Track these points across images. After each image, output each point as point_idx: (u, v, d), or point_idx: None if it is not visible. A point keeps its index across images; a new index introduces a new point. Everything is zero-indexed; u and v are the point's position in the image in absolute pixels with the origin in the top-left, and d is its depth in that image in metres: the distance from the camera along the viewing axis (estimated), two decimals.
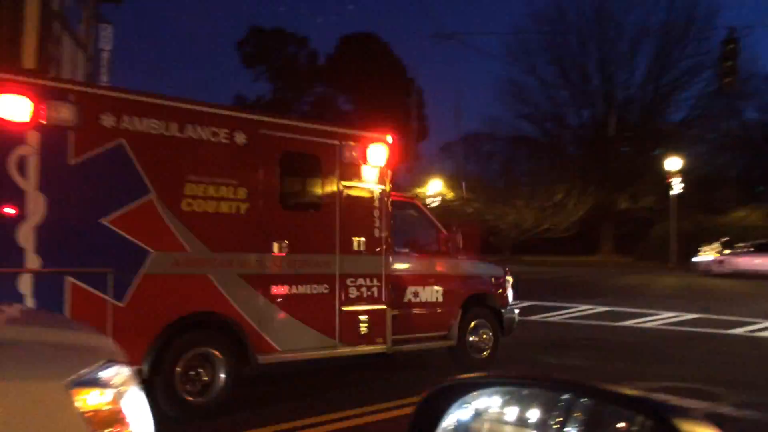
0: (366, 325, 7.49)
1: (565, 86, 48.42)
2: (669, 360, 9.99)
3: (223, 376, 6.37)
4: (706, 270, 29.93)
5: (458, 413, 1.75)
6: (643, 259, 40.51)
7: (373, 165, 7.71)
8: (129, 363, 2.64)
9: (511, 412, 1.73)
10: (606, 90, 47.08)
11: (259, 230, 6.77)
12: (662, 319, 14.42)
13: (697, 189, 40.62)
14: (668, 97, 47.39)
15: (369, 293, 7.57)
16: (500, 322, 9.12)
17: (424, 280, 8.43)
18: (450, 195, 40.37)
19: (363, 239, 7.56)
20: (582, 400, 1.68)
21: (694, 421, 1.39)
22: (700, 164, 46.79)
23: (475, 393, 1.77)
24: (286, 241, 6.91)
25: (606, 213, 43.68)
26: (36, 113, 5.55)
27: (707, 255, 30.85)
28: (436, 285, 8.52)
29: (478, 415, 1.76)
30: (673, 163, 36.99)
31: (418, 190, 41.71)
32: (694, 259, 31.83)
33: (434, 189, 39.63)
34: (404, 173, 58.18)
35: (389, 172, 7.95)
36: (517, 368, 9.11)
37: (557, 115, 49.68)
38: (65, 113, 5.68)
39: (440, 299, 8.51)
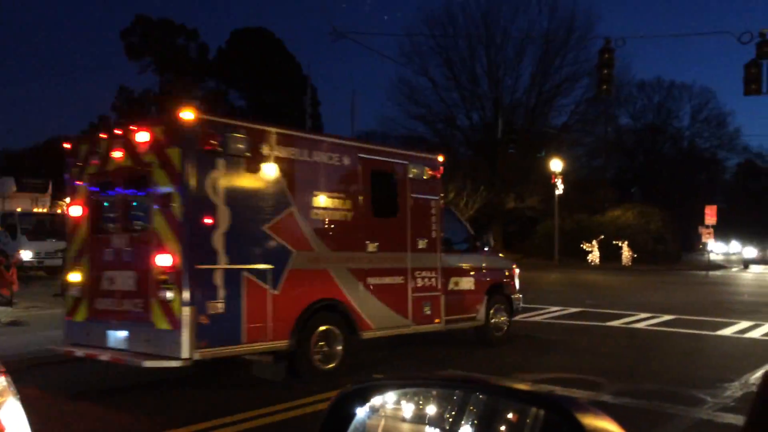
0: (429, 308, 9.48)
1: (455, 89, 49.72)
2: (555, 351, 10.47)
3: (340, 348, 8.19)
4: None
5: (358, 412, 1.73)
6: (530, 255, 42.40)
7: (429, 179, 9.69)
8: (5, 372, 2.46)
9: (408, 409, 1.73)
10: (494, 93, 48.84)
11: (359, 233, 8.65)
12: (549, 312, 15.12)
13: (576, 190, 43.00)
14: (550, 102, 49.80)
15: (430, 283, 9.53)
16: (511, 307, 11.18)
17: (462, 272, 10.34)
18: None
19: (426, 240, 9.52)
20: (482, 396, 1.69)
21: (594, 414, 1.42)
22: (579, 167, 49.60)
23: (381, 395, 1.75)
24: (377, 242, 8.81)
25: (495, 212, 45.31)
26: (223, 145, 7.18)
27: None
28: (470, 276, 10.46)
29: (374, 411, 1.75)
30: (555, 165, 38.91)
31: None
32: None
33: None
34: None
35: (440, 185, 10.03)
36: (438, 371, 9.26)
37: (448, 117, 50.96)
38: (241, 145, 7.38)
39: (473, 288, 10.45)
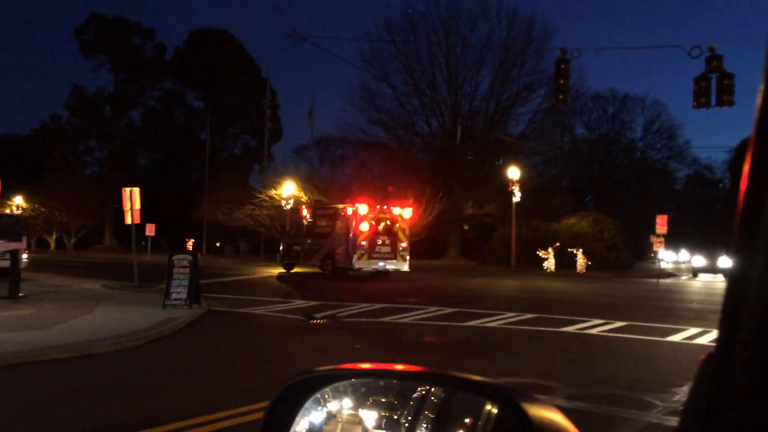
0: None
1: (415, 95, 50.09)
2: (510, 357, 10.55)
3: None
4: None
5: (311, 415, 1.66)
6: (487, 262, 42.81)
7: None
8: None
9: (364, 412, 1.68)
10: (453, 101, 49.30)
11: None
12: (504, 318, 15.25)
13: (533, 197, 43.66)
14: (508, 110, 50.52)
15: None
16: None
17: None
18: (304, 198, 40.21)
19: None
20: (432, 390, 1.66)
21: (540, 405, 1.41)
22: (536, 175, 50.43)
23: (328, 388, 1.69)
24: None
25: (453, 218, 45.64)
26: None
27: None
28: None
29: (331, 417, 1.69)
30: (512, 172, 39.42)
31: (273, 192, 41.13)
32: None
33: (288, 191, 39.27)
34: (257, 176, 57.10)
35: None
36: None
37: (408, 123, 51.25)
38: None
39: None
